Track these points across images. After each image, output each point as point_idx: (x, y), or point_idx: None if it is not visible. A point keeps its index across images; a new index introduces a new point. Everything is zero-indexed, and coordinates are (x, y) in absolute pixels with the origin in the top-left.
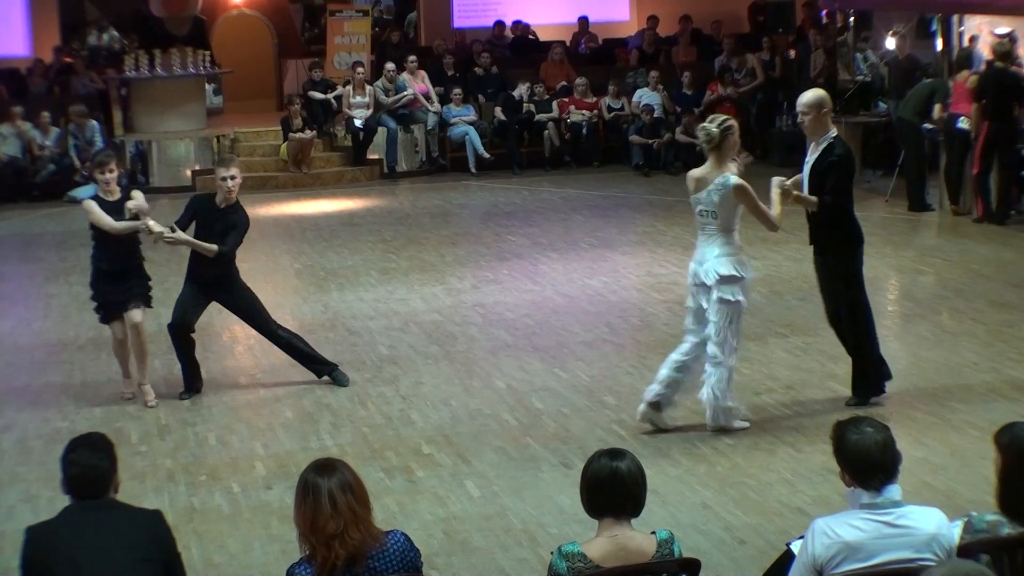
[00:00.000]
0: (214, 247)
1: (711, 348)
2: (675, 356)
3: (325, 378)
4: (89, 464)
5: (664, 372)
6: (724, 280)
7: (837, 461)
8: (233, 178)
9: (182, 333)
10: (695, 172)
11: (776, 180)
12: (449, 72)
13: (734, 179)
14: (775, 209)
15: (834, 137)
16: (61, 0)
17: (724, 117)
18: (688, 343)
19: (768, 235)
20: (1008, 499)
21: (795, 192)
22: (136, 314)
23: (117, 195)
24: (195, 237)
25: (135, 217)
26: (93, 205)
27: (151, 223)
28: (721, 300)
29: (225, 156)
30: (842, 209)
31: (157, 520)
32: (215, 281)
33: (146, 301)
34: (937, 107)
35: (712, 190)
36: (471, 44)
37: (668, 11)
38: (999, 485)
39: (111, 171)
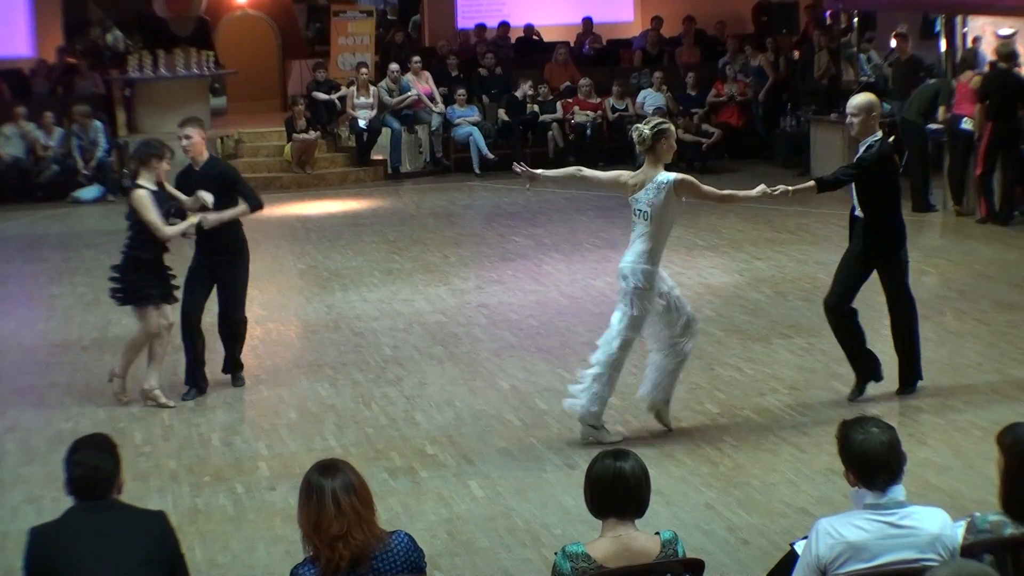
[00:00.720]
0: (245, 207)
1: (597, 356)
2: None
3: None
4: (92, 465)
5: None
6: (636, 289)
7: (842, 460)
8: (188, 137)
9: (191, 323)
10: (630, 178)
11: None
12: (453, 73)
13: (673, 175)
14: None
15: (878, 139)
16: (65, 0)
17: (660, 120)
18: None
19: (773, 236)
20: (1011, 499)
21: (783, 188)
22: (169, 312)
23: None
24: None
25: (201, 208)
26: (148, 200)
27: (196, 219)
28: (626, 303)
29: (185, 118)
30: (881, 209)
31: (161, 521)
32: (224, 248)
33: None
34: (941, 108)
35: (651, 188)
36: (475, 44)
37: (672, 12)
38: (1002, 486)
39: (168, 161)
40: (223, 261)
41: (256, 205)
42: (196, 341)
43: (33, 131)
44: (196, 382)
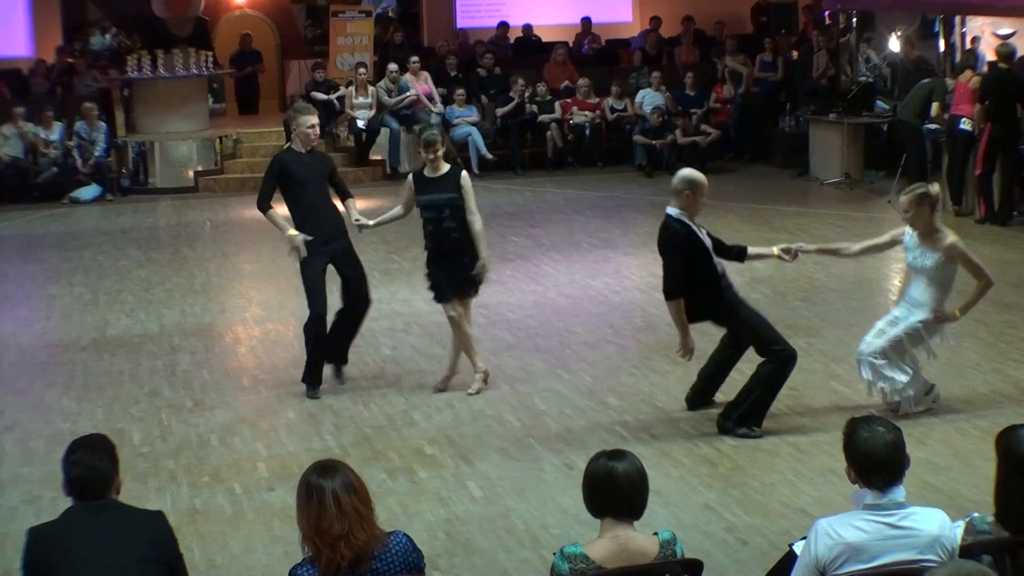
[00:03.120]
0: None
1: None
2: None
3: (326, 377)
4: (90, 465)
5: None
6: None
7: (845, 456)
8: (315, 124)
9: (324, 322)
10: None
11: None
12: (452, 73)
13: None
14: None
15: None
16: (63, 0)
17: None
18: None
19: (772, 236)
20: (1002, 507)
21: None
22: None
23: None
24: (286, 192)
25: None
26: None
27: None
28: None
29: (300, 104)
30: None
31: (159, 521)
32: (342, 234)
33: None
34: (935, 106)
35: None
36: (474, 44)
37: (671, 12)
38: (995, 493)
39: (436, 151)
40: (341, 249)
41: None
42: (324, 340)
43: (32, 131)
44: (314, 379)
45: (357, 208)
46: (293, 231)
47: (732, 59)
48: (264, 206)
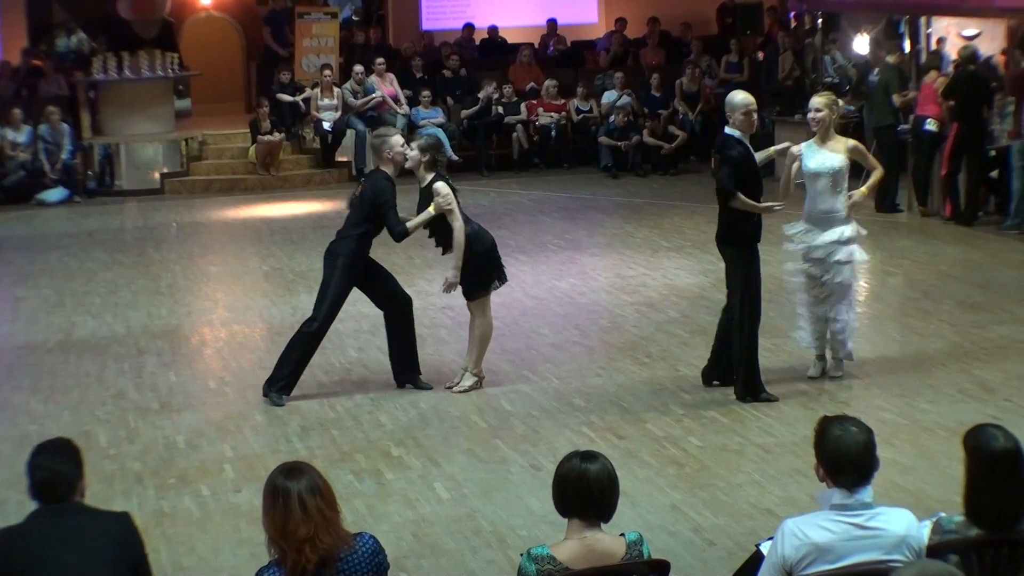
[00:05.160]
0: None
1: None
2: None
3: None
4: (53, 469)
5: None
6: None
7: (815, 454)
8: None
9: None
10: None
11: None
12: (417, 74)
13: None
14: None
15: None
16: (29, 2)
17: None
18: None
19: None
20: (973, 505)
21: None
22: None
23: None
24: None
25: None
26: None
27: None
28: None
29: (383, 129)
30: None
31: (124, 522)
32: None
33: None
34: (895, 96)
35: None
36: (440, 45)
37: (636, 13)
38: (965, 490)
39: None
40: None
41: None
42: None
43: None
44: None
45: None
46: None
47: (688, 80)
48: (403, 231)
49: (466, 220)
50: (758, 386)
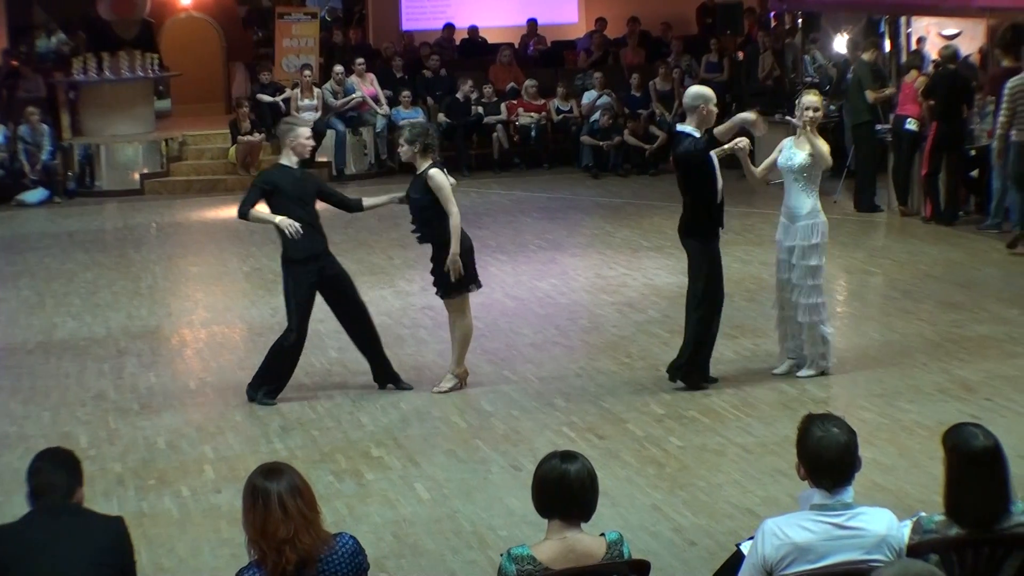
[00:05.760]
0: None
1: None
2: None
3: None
4: (47, 482)
5: None
6: None
7: (797, 453)
8: (311, 137)
9: (302, 345)
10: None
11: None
12: (398, 75)
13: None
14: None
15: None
16: (8, 2)
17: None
18: None
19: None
20: (954, 503)
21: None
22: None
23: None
24: (276, 209)
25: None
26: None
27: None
28: None
29: (292, 118)
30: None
31: (117, 526)
32: (323, 252)
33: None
34: (869, 92)
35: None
36: (420, 45)
37: (616, 13)
38: (945, 489)
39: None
40: (329, 265)
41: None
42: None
43: None
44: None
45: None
46: (279, 217)
47: (661, 80)
48: (246, 211)
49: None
50: (701, 373)
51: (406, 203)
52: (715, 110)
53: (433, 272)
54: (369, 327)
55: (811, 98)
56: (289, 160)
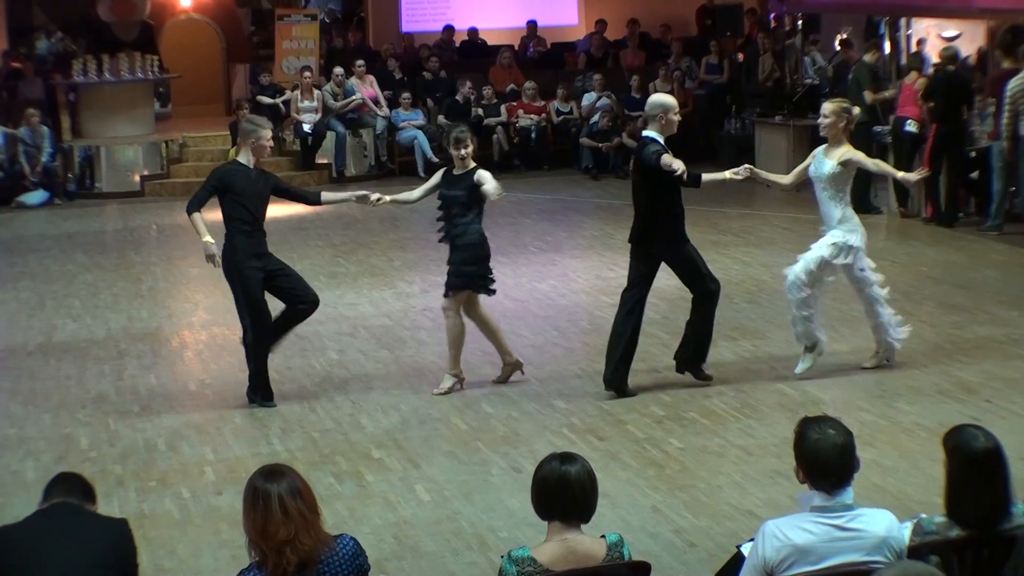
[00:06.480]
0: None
1: None
2: None
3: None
4: (62, 499)
5: None
6: None
7: (795, 456)
8: (272, 138)
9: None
10: None
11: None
12: (397, 76)
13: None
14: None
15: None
16: (8, 4)
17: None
18: None
19: (717, 238)
20: (954, 505)
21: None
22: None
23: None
24: (225, 205)
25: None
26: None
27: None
28: None
29: (256, 117)
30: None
31: (122, 529)
32: (266, 250)
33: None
34: (867, 93)
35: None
36: (419, 47)
37: (616, 15)
38: (946, 490)
39: (466, 147)
40: (272, 261)
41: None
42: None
43: None
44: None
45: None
46: (209, 238)
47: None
48: (193, 209)
49: (479, 221)
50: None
51: (364, 203)
52: (676, 119)
53: (450, 273)
54: (299, 319)
55: (824, 105)
56: (246, 159)
